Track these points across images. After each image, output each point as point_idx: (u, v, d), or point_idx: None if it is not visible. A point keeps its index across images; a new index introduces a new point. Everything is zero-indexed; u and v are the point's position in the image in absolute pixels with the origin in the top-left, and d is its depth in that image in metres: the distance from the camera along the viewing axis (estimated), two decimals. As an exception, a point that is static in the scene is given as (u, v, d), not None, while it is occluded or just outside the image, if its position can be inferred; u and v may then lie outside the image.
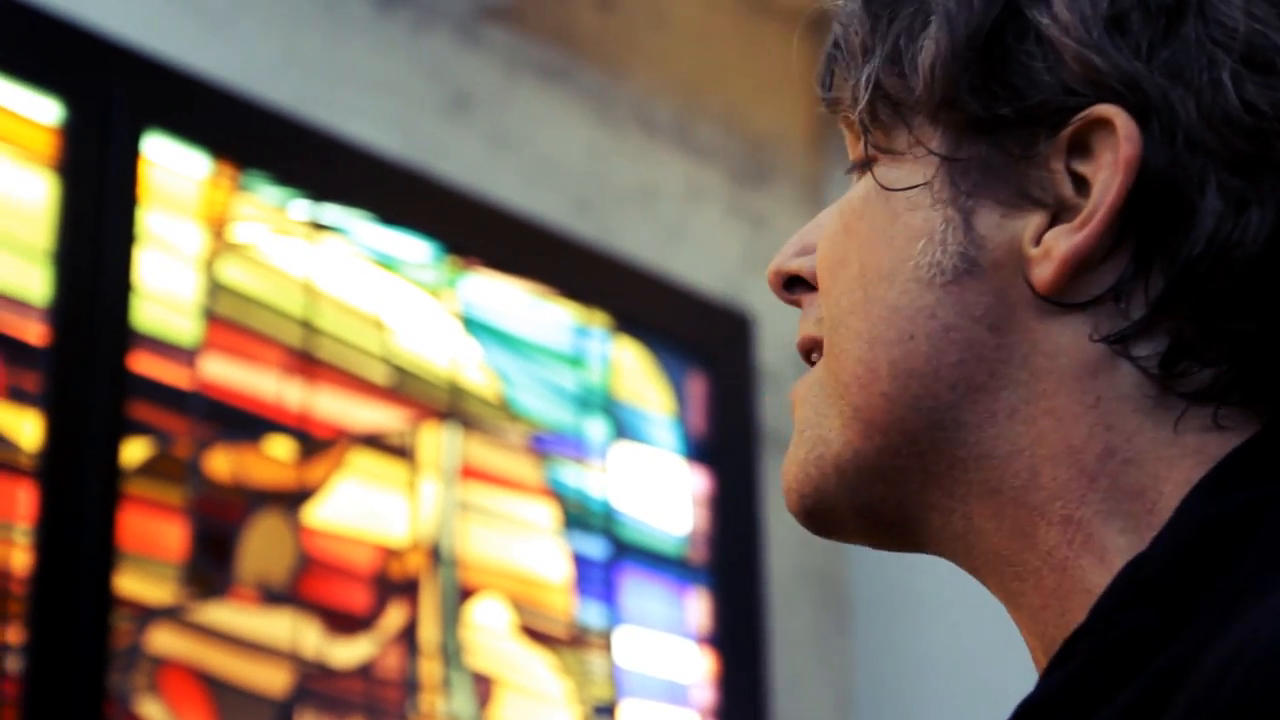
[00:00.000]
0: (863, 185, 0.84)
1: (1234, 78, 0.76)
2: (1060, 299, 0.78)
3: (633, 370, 2.90)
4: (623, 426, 2.85)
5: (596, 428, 2.81)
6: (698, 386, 2.97)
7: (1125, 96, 0.77)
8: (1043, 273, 0.78)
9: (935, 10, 0.81)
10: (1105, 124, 0.78)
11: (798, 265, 0.87)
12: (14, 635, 2.09)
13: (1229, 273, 0.76)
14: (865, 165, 0.84)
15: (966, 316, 0.79)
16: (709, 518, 2.93)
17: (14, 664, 2.08)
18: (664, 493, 2.88)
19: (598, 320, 2.85)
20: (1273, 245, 0.76)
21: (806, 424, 0.83)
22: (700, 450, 2.95)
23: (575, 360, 2.81)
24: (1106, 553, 0.76)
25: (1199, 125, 0.77)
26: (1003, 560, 0.79)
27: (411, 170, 2.62)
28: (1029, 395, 0.78)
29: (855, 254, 0.82)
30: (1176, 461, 0.76)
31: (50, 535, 2.12)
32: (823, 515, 0.84)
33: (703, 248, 3.08)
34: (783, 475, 0.85)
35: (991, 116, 0.79)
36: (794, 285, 0.87)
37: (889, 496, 0.81)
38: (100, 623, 2.14)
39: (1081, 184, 0.79)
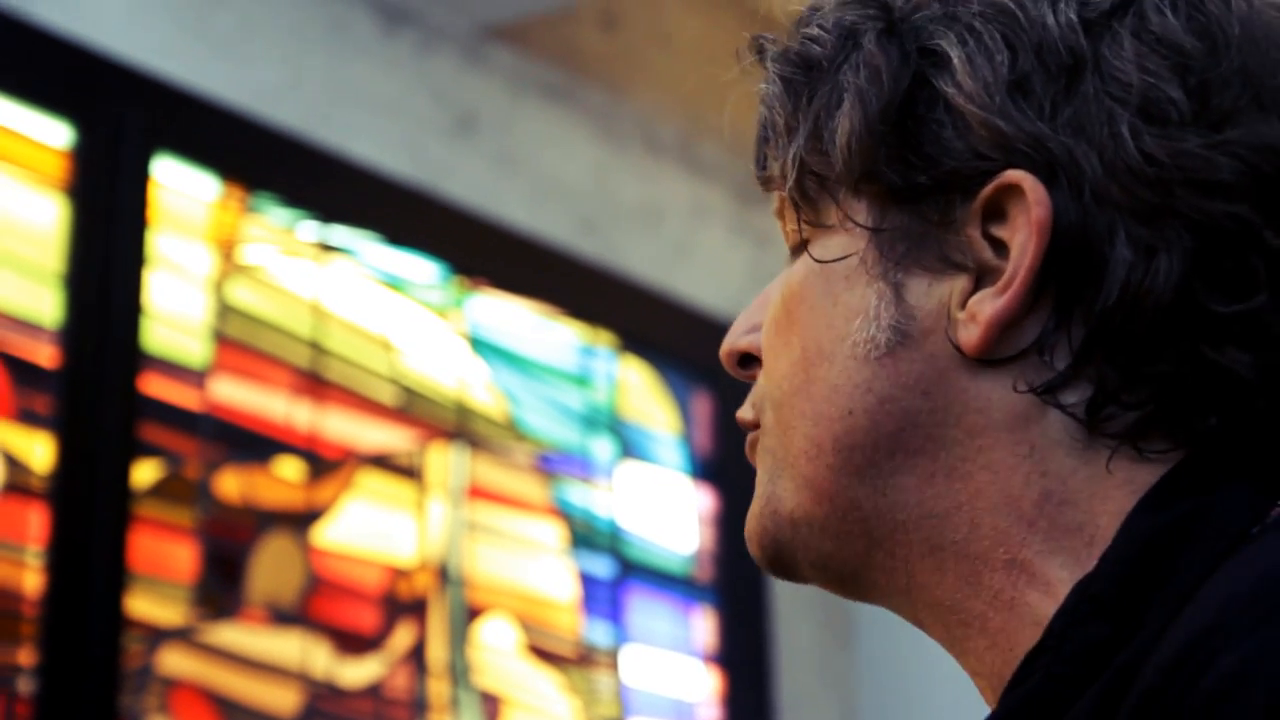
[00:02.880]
0: (801, 265, 0.87)
1: (1132, 130, 0.79)
2: (987, 357, 0.81)
3: (639, 389, 2.91)
4: (629, 445, 2.86)
5: (603, 447, 2.82)
6: (703, 405, 2.98)
7: (1032, 157, 0.80)
8: (969, 336, 0.81)
9: (848, 88, 0.84)
10: (1015, 188, 0.80)
11: (748, 343, 0.91)
12: (26, 657, 2.09)
13: (1143, 319, 0.79)
14: (801, 247, 0.87)
15: (900, 386, 0.82)
16: (715, 536, 2.94)
17: (26, 686, 2.09)
18: (670, 512, 2.89)
19: (604, 340, 2.86)
20: (1182, 289, 0.78)
21: (761, 484, 0.88)
22: (706, 469, 2.96)
23: (581, 380, 2.82)
24: (1051, 585, 0.79)
25: (1103, 179, 0.79)
26: (946, 610, 0.83)
27: (418, 191, 2.63)
28: (965, 453, 0.81)
29: (797, 337, 0.85)
30: (1110, 494, 0.79)
31: (61, 557, 2.13)
32: (780, 564, 0.88)
33: (708, 266, 3.09)
34: (746, 526, 0.90)
35: (909, 186, 0.82)
36: (748, 362, 0.91)
37: (836, 554, 0.86)
38: (111, 644, 2.15)
39: (999, 246, 0.81)
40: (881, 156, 0.83)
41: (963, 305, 0.82)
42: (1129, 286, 0.79)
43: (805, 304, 0.86)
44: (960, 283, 0.82)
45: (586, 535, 2.75)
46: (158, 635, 2.23)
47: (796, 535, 0.86)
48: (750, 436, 0.91)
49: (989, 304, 0.81)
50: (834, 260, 0.85)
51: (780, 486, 0.86)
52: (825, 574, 0.87)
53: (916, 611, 0.85)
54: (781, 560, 0.88)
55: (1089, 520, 0.80)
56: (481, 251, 2.71)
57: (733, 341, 0.92)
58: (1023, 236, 0.80)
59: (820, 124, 0.85)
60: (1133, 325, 0.79)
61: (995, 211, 0.82)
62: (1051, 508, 0.80)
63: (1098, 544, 0.79)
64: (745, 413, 0.91)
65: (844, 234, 0.85)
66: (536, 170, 2.86)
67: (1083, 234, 0.80)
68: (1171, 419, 0.80)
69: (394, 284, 2.59)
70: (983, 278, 0.82)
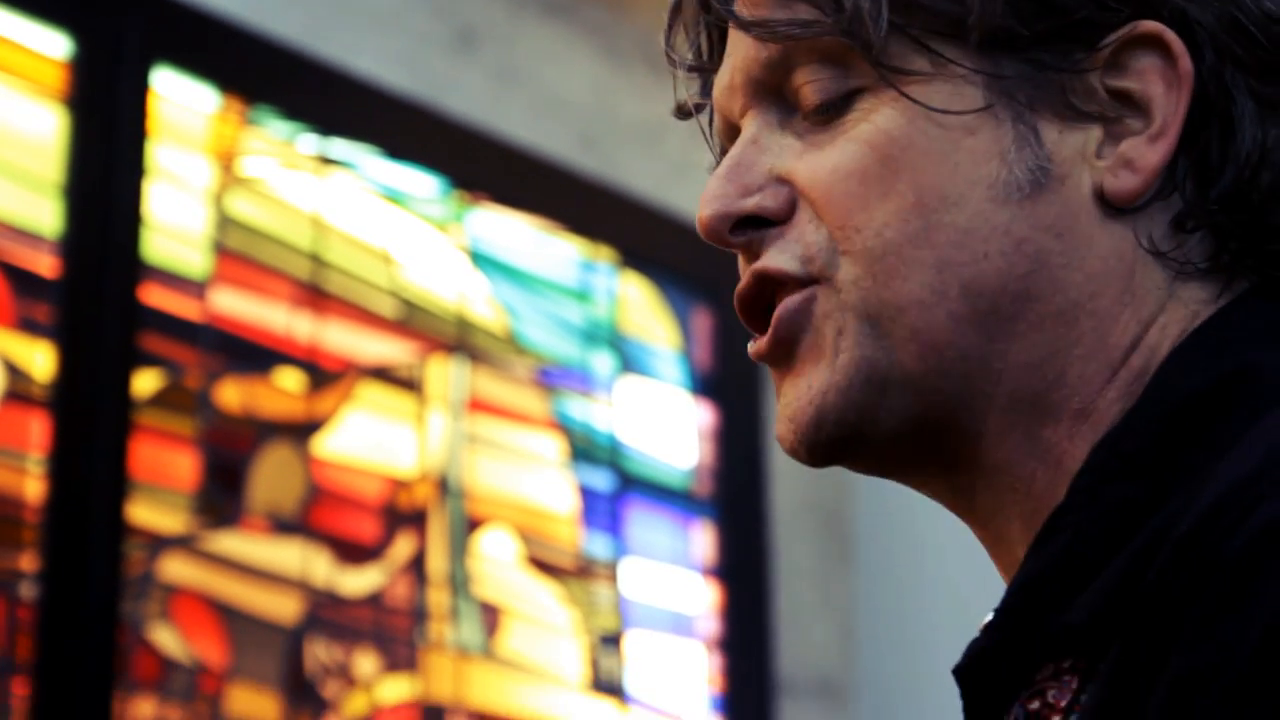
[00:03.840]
0: (890, 112, 0.82)
1: None
2: (1130, 206, 0.80)
3: (639, 305, 2.92)
4: (629, 360, 2.87)
5: (603, 361, 2.83)
6: (703, 322, 2.99)
7: (1157, 10, 0.80)
8: (1125, 183, 0.80)
9: None
10: (1149, 39, 0.80)
11: (755, 203, 0.85)
12: (28, 563, 2.12)
13: (1272, 175, 0.78)
14: (852, 94, 0.82)
15: (1038, 228, 0.80)
16: (714, 451, 2.95)
17: (29, 591, 2.11)
18: (669, 426, 2.91)
19: (604, 255, 2.87)
20: None
21: (843, 349, 0.81)
22: (705, 385, 2.97)
23: (581, 295, 2.83)
24: (1099, 429, 0.78)
25: (1224, 36, 0.79)
26: (1000, 472, 0.80)
27: (418, 105, 2.63)
28: (1079, 298, 0.80)
29: (906, 184, 0.81)
30: (1177, 339, 0.79)
31: (63, 464, 2.15)
32: (840, 444, 0.82)
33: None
34: (811, 403, 0.82)
35: (1032, 34, 0.80)
36: (744, 227, 0.85)
37: (918, 419, 0.81)
38: (113, 551, 2.17)
39: (1120, 97, 0.81)
40: (1003, 2, 0.81)
41: (1099, 154, 0.81)
42: (1257, 142, 0.79)
43: (914, 150, 0.81)
44: (1095, 132, 0.81)
45: (586, 449, 2.77)
46: (159, 542, 2.26)
47: (884, 400, 0.81)
48: (799, 299, 0.83)
49: (1149, 152, 0.80)
50: (959, 112, 0.81)
51: (876, 345, 0.81)
52: (892, 447, 0.83)
53: (970, 476, 0.82)
54: (849, 437, 0.82)
55: (1152, 366, 0.80)
56: (482, 166, 2.72)
57: (727, 205, 0.85)
58: (1160, 88, 0.80)
59: None
60: (1260, 182, 0.79)
61: (1115, 63, 0.81)
62: (1136, 356, 0.79)
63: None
64: (786, 264, 0.84)
65: (946, 81, 0.82)
66: (537, 86, 2.86)
67: (1210, 90, 0.80)
68: (1257, 265, 0.80)
69: (394, 198, 2.60)
70: (1112, 128, 0.81)
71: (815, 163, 0.84)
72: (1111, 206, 0.80)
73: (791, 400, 0.83)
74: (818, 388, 0.82)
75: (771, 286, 0.84)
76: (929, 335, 0.80)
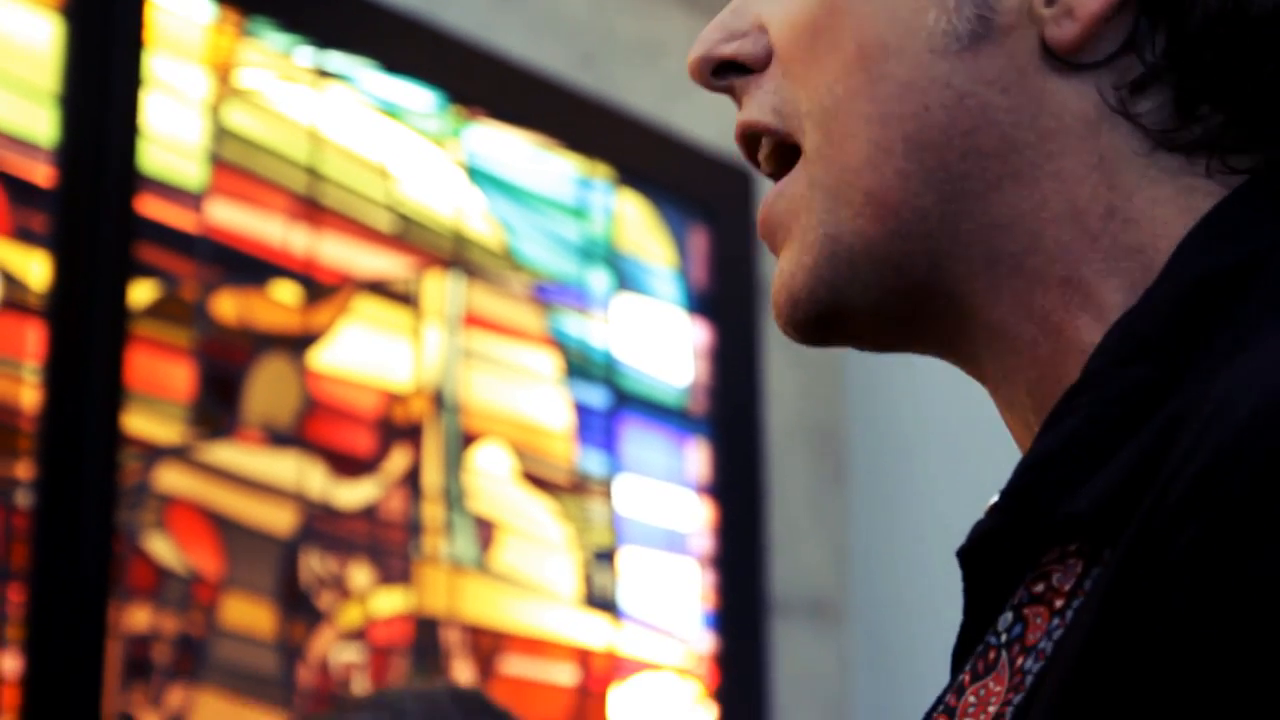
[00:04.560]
0: None
1: None
2: (1075, 59, 0.77)
3: (635, 223, 2.92)
4: (625, 278, 2.87)
5: (599, 279, 2.83)
6: (699, 240, 2.99)
7: None
8: (1064, 32, 0.77)
9: None
10: None
11: (734, 49, 0.85)
12: (23, 471, 2.12)
13: (1239, 29, 0.74)
14: None
15: (980, 82, 0.77)
16: (709, 370, 2.96)
17: (24, 499, 2.12)
18: (665, 344, 2.91)
19: (601, 173, 2.87)
20: None
21: (809, 228, 0.81)
22: (701, 303, 2.97)
23: (578, 212, 2.83)
24: (1104, 310, 0.76)
25: None
26: (997, 334, 0.79)
27: (417, 19, 2.62)
28: (1035, 158, 0.77)
29: (847, 35, 0.79)
30: (1174, 220, 0.76)
31: (59, 373, 2.15)
32: (825, 321, 0.82)
33: (706, 103, 3.08)
34: (784, 287, 0.82)
35: None
36: (724, 72, 0.85)
37: (896, 287, 0.80)
38: (108, 460, 2.18)
39: None
40: None
41: (1049, 2, 0.78)
42: None
43: None
44: None
45: (581, 365, 2.78)
46: (154, 453, 2.26)
47: (855, 275, 0.80)
48: (777, 190, 0.83)
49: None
50: None
51: (833, 220, 0.80)
52: (878, 318, 0.81)
53: (974, 339, 0.80)
54: (837, 313, 0.81)
55: (1150, 244, 0.76)
56: (479, 81, 2.71)
57: (710, 48, 0.85)
58: None
59: None
60: (1225, 35, 0.75)
61: None
62: (1115, 224, 0.76)
63: (1154, 270, 0.75)
64: (761, 115, 0.83)
65: None
66: (536, 1, 2.85)
67: None
68: (1248, 142, 0.76)
69: (391, 111, 2.59)
70: None
71: (780, 12, 0.83)
72: (1062, 61, 0.77)
73: (773, 283, 0.83)
74: (788, 270, 0.82)
75: (757, 137, 0.84)
76: (882, 195, 0.79)
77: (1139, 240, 0.77)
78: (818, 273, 0.81)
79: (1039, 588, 0.72)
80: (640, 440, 2.84)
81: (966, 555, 0.75)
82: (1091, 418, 0.72)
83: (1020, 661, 0.71)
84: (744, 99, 0.85)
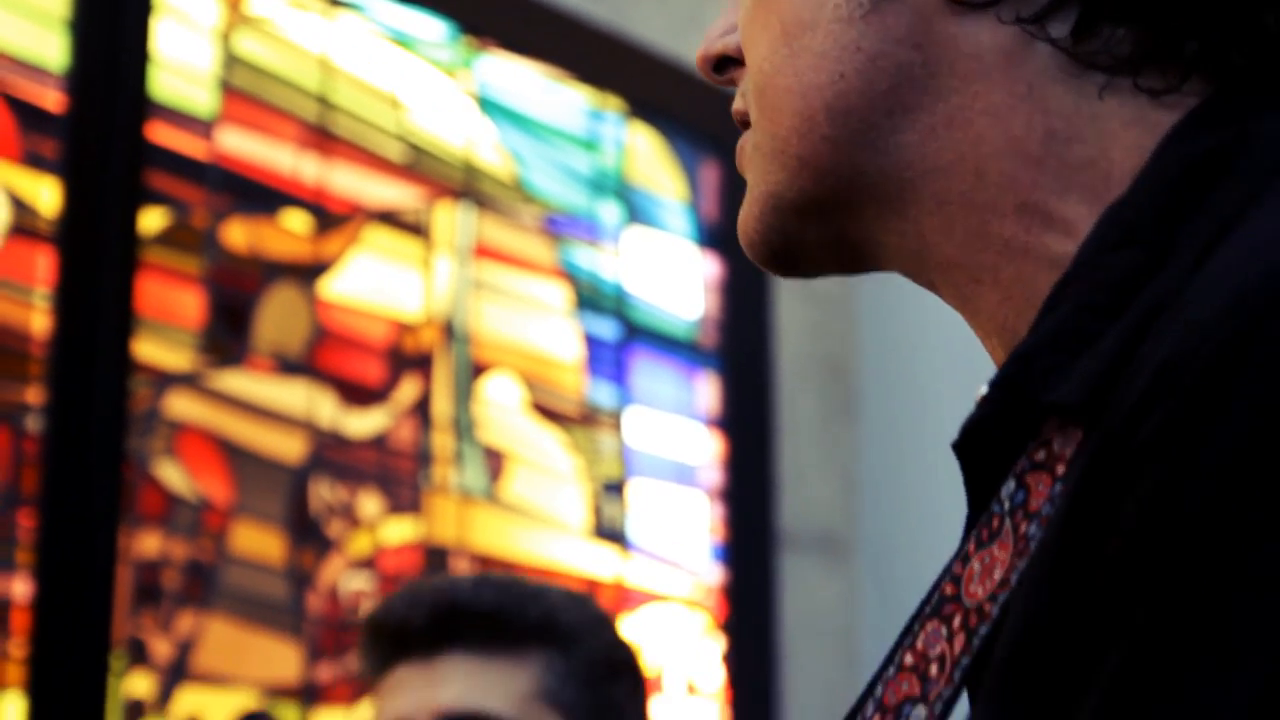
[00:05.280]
0: None
1: None
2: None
3: (646, 155, 2.91)
4: (636, 211, 2.87)
5: (609, 211, 2.83)
6: (711, 174, 2.99)
7: None
8: None
9: None
10: None
11: (723, 45, 0.88)
12: (34, 396, 2.13)
13: None
14: None
15: (889, 40, 0.80)
16: (719, 303, 2.96)
17: (34, 424, 2.12)
18: (675, 277, 2.91)
19: (612, 105, 2.86)
20: None
21: (755, 185, 0.85)
22: (712, 236, 2.97)
23: (589, 144, 2.83)
24: (1070, 223, 0.77)
25: None
26: (956, 268, 0.81)
27: (428, -52, 2.61)
28: (962, 101, 0.79)
29: (774, 15, 0.83)
30: (1119, 131, 0.77)
31: (69, 299, 2.15)
32: (791, 257, 0.86)
33: (719, 35, 3.07)
34: (741, 231, 0.86)
35: None
36: (725, 66, 0.88)
37: (848, 227, 0.83)
38: (119, 386, 2.18)
39: None
40: None
41: None
42: None
43: None
44: None
45: (592, 297, 2.77)
46: (164, 379, 2.27)
47: (805, 222, 0.84)
48: (740, 142, 0.88)
49: None
50: None
51: (777, 178, 0.83)
52: (839, 253, 0.85)
53: (929, 273, 0.83)
54: (792, 253, 0.85)
55: (1101, 156, 0.77)
56: (491, 12, 2.70)
57: (708, 45, 0.90)
58: None
59: None
60: None
61: None
62: (1058, 145, 0.78)
63: (1116, 178, 0.77)
64: (738, 102, 0.88)
65: None
66: (548, -68, 2.84)
67: None
68: (1163, 48, 0.77)
69: (402, 41, 2.59)
70: None
71: (746, 1, 0.87)
72: (963, 3, 0.79)
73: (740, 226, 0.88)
74: (742, 215, 0.86)
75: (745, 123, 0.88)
76: (815, 161, 0.82)
77: (1087, 155, 0.78)
78: (766, 221, 0.85)
79: (1040, 455, 0.73)
80: (650, 372, 2.84)
81: (960, 448, 0.75)
82: (1079, 305, 0.73)
83: (1024, 527, 0.72)
84: (739, 89, 0.89)
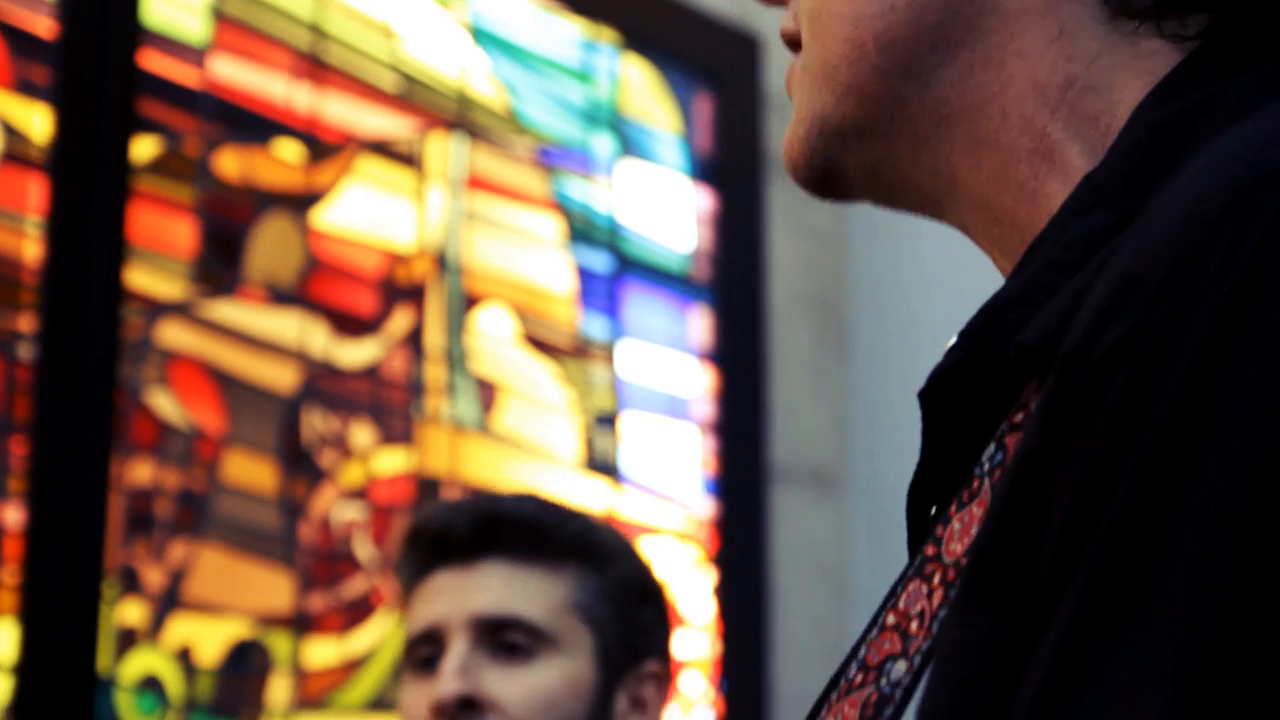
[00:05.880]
0: None
1: None
2: None
3: (640, 88, 2.90)
4: (629, 143, 2.86)
5: (603, 143, 2.82)
6: (705, 107, 2.98)
7: None
8: None
9: None
10: None
11: None
12: (26, 324, 2.12)
13: None
14: None
15: None
16: (712, 237, 2.95)
17: (26, 352, 2.12)
18: (669, 210, 2.90)
19: (606, 36, 2.85)
20: None
21: (803, 106, 0.88)
22: (706, 170, 2.96)
23: (583, 75, 2.82)
24: (1069, 173, 0.79)
25: None
26: (982, 207, 0.83)
27: (421, -124, 2.60)
28: (1000, 40, 0.81)
29: None
30: (1131, 83, 0.79)
31: (61, 227, 2.15)
32: (829, 181, 0.88)
33: (713, -33, 3.06)
34: (785, 153, 0.89)
35: None
36: None
37: (886, 157, 0.86)
38: (111, 315, 2.18)
39: None
40: None
41: None
42: None
43: None
44: None
45: (585, 230, 2.77)
46: (157, 308, 2.26)
47: (846, 146, 0.86)
48: (790, 66, 0.90)
49: None
50: None
51: (822, 103, 0.86)
52: (875, 183, 0.88)
53: (961, 213, 0.85)
54: (831, 176, 0.88)
55: (1106, 110, 0.79)
56: (485, -59, 2.69)
57: None
58: None
59: None
60: None
61: None
62: (1074, 93, 0.80)
63: (1111, 135, 0.79)
64: (788, 22, 0.91)
65: None
66: None
67: None
68: (1201, 3, 0.78)
69: (395, -30, 2.57)
70: None
71: None
72: None
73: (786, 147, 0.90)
74: (788, 137, 0.89)
75: (794, 43, 0.90)
76: (861, 88, 0.84)
77: (1096, 107, 0.80)
78: (810, 143, 0.87)
79: (1018, 417, 0.74)
80: (642, 305, 2.84)
81: (924, 396, 0.76)
82: (1048, 263, 0.75)
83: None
84: (788, 8, 0.91)
